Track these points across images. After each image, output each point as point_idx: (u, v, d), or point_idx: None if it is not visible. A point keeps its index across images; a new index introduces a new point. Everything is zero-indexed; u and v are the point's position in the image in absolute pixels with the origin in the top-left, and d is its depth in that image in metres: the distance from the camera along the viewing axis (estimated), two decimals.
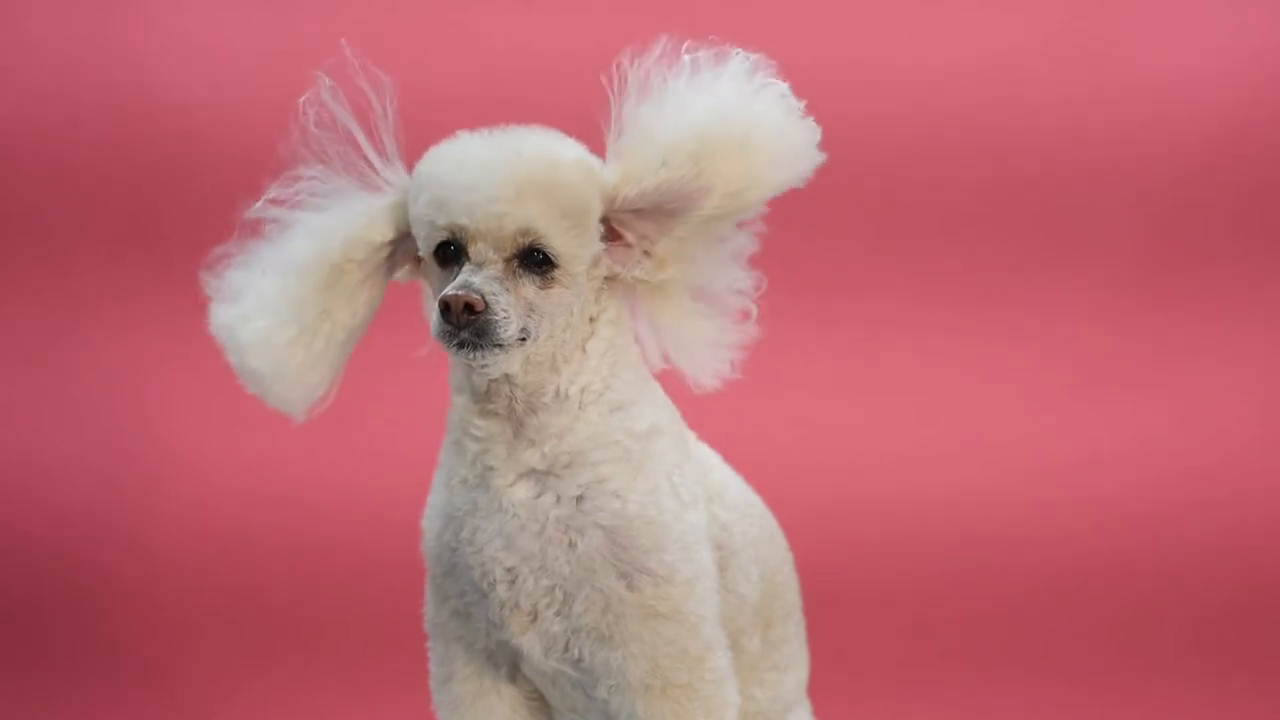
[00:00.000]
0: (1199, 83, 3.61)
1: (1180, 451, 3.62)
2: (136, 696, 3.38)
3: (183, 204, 3.66)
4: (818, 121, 1.98)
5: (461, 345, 1.89)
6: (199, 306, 3.51)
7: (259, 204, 2.03)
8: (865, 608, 3.44)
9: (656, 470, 2.02)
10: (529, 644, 2.05)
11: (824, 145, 1.98)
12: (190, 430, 3.65)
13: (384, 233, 2.01)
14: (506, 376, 1.97)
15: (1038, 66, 3.63)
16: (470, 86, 3.32)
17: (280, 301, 1.99)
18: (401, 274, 2.08)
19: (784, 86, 1.97)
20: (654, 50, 1.96)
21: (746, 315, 2.06)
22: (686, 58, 1.96)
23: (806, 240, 3.47)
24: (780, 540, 2.31)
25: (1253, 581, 3.51)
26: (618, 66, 1.96)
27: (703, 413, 2.18)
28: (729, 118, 1.93)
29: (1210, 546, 3.55)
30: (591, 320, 2.01)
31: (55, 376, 3.72)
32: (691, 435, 2.17)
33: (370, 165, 2.02)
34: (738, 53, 1.97)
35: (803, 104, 1.97)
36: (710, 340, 2.05)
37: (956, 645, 3.44)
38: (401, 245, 2.04)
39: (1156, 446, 3.62)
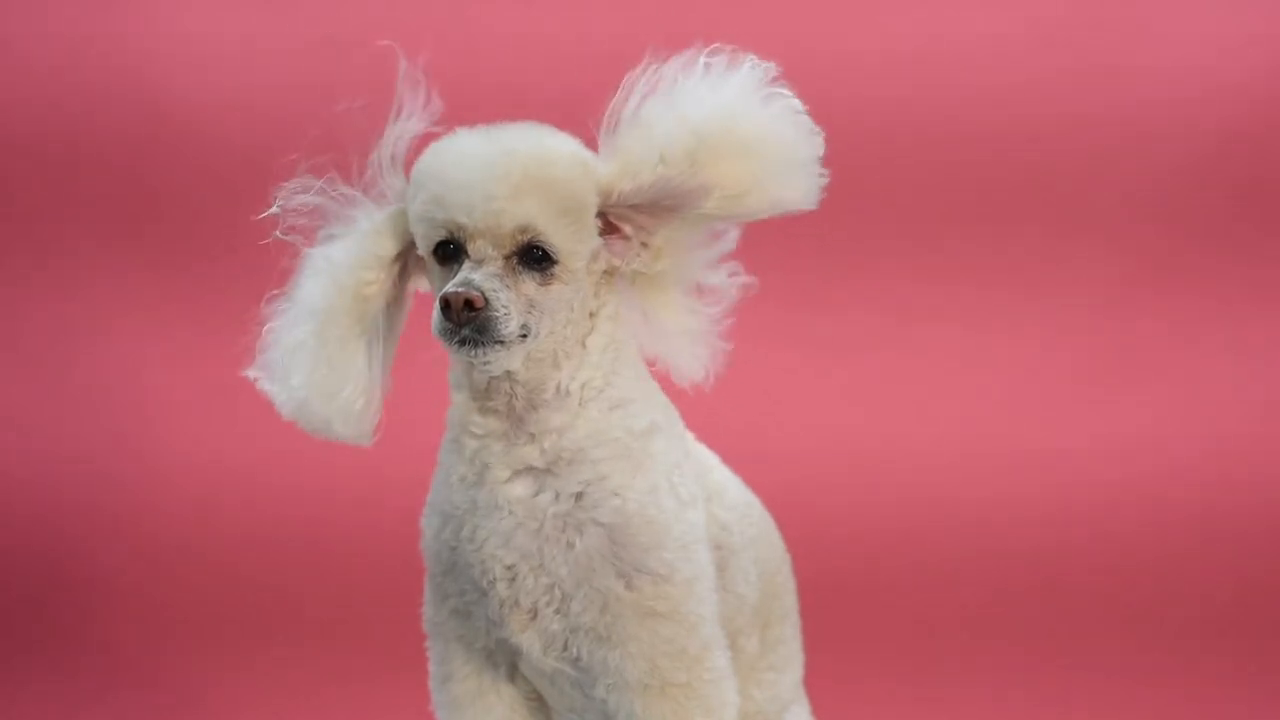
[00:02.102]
0: (1205, 68, 3.60)
1: (1184, 439, 3.62)
2: (134, 690, 3.38)
3: (183, 198, 3.67)
4: (818, 106, 1.98)
5: (463, 343, 1.89)
6: (198, 301, 3.52)
7: (271, 216, 2.04)
8: (866, 604, 3.44)
9: (656, 469, 2.02)
10: (528, 642, 2.04)
11: (823, 131, 1.97)
12: (189, 428, 3.65)
13: (389, 247, 2.02)
14: (507, 373, 1.97)
15: (1042, 49, 3.62)
16: (468, 81, 3.32)
17: (323, 355, 2.00)
18: (419, 281, 2.08)
19: (795, 100, 1.96)
20: (661, 53, 1.96)
21: (725, 310, 2.06)
22: (701, 60, 1.96)
23: (804, 227, 3.45)
24: (779, 541, 2.32)
25: (1260, 570, 3.50)
26: (640, 67, 1.96)
27: (702, 410, 2.18)
28: (733, 121, 1.92)
29: (1217, 535, 3.54)
30: (591, 315, 2.01)
31: (54, 371, 3.73)
32: (690, 435, 2.17)
33: (377, 174, 2.03)
34: (750, 59, 1.96)
35: (813, 125, 1.96)
36: (694, 338, 2.05)
37: (959, 641, 3.43)
38: (410, 255, 2.04)
39: (1160, 435, 3.62)
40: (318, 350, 2.00)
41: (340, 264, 2.01)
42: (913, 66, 3.62)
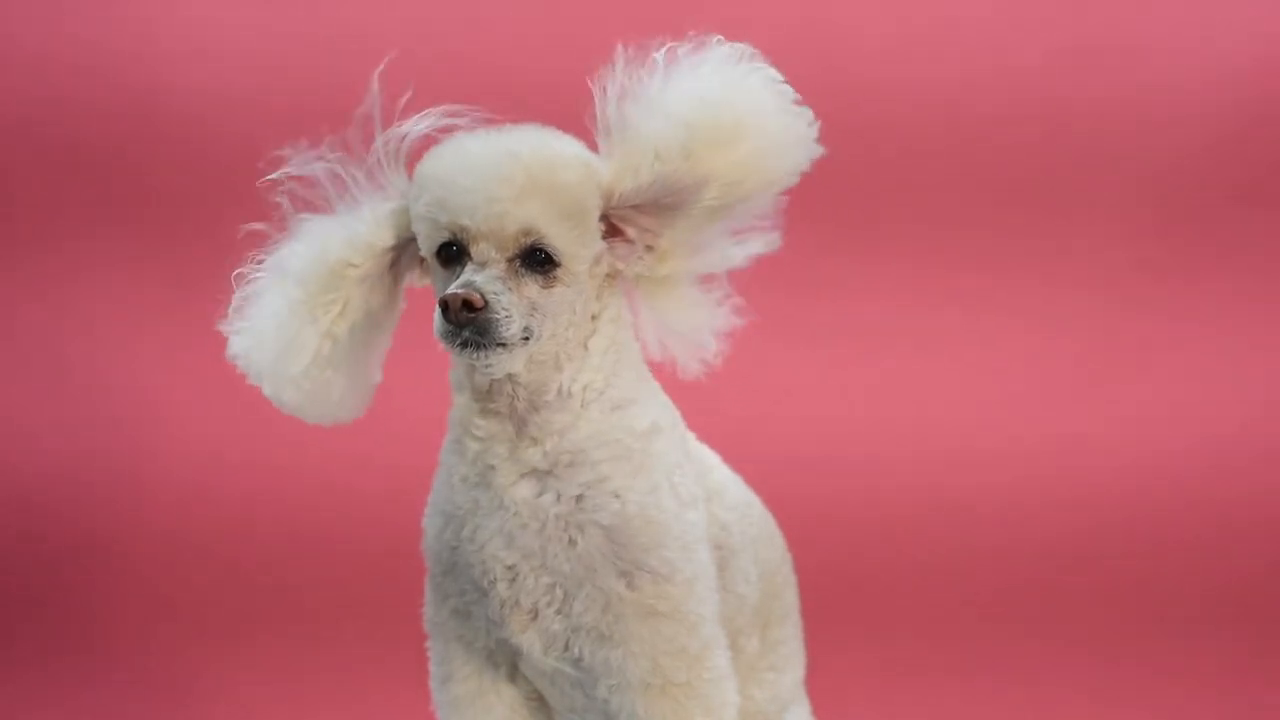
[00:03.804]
0: (1211, 52, 3.59)
1: (1191, 429, 3.61)
2: (133, 684, 3.38)
3: (178, 190, 3.67)
4: (814, 96, 1.98)
5: (465, 345, 1.89)
6: (194, 292, 3.52)
7: (279, 178, 2.04)
8: (869, 603, 3.44)
9: (656, 469, 2.02)
10: (529, 642, 2.05)
11: (823, 117, 1.98)
12: (188, 421, 3.65)
13: (385, 238, 2.02)
14: (509, 375, 1.97)
15: (1046, 34, 3.61)
16: (470, 81, 3.33)
17: (284, 314, 2.00)
18: (412, 277, 2.09)
19: (772, 71, 1.97)
20: (627, 50, 1.96)
21: (731, 295, 2.06)
22: (666, 50, 1.95)
23: (807, 221, 3.45)
24: (779, 541, 2.32)
25: (1266, 559, 3.50)
26: (606, 69, 1.96)
27: (703, 409, 2.18)
28: (716, 105, 1.92)
29: (1224, 525, 3.54)
30: (594, 318, 2.01)
31: (50, 363, 3.72)
32: (691, 435, 2.18)
33: (377, 166, 2.03)
34: (718, 40, 1.96)
35: (793, 92, 1.97)
36: (704, 326, 2.05)
37: (964, 639, 3.43)
38: (406, 250, 2.04)
39: (1167, 425, 3.61)
40: (278, 310, 2.00)
41: (331, 239, 2.01)
42: (919, 52, 3.60)
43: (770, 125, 1.94)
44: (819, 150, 1.97)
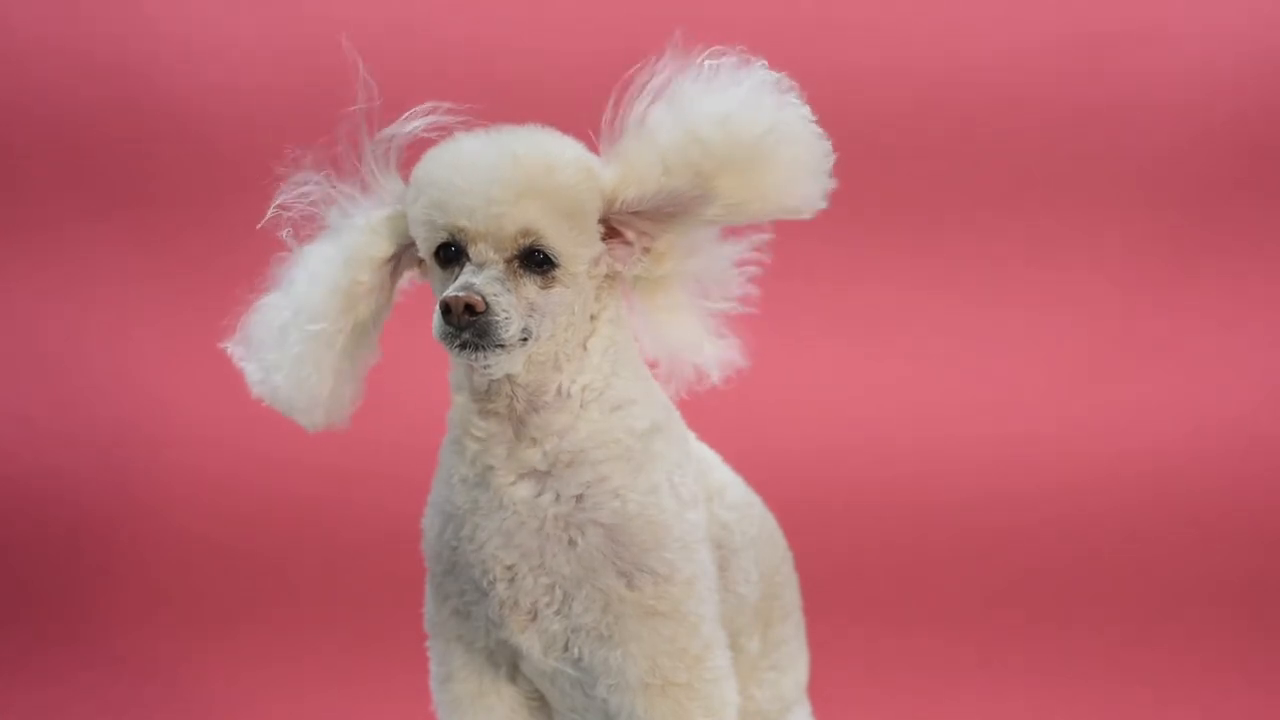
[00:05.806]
0: (1219, 45, 3.58)
1: (1199, 418, 3.62)
2: (128, 672, 3.38)
3: (176, 177, 3.67)
4: (815, 85, 1.96)
5: (464, 346, 1.89)
6: (191, 282, 3.51)
7: (269, 213, 2.05)
8: (871, 598, 3.44)
9: (657, 469, 2.02)
10: (528, 642, 2.05)
11: (823, 106, 1.96)
12: (187, 413, 3.65)
13: (384, 248, 2.03)
14: (508, 376, 1.97)
15: (1050, 21, 3.60)
16: (468, 83, 3.33)
17: (309, 346, 2.00)
18: (413, 275, 2.09)
19: (805, 108, 1.95)
20: (668, 53, 1.95)
21: (732, 313, 2.07)
22: (706, 63, 1.95)
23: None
24: (780, 540, 2.32)
25: (1270, 549, 3.50)
26: (634, 70, 1.95)
27: (703, 405, 2.18)
28: (737, 131, 1.91)
29: (1231, 514, 3.54)
30: (593, 318, 2.01)
31: (47, 350, 3.73)
32: (691, 434, 2.17)
33: (369, 173, 2.03)
34: (760, 64, 1.95)
35: (820, 130, 1.95)
36: (694, 341, 2.06)
37: (966, 631, 3.42)
38: (405, 253, 2.04)
39: (1173, 414, 3.61)
40: (301, 346, 2.00)
41: (334, 261, 2.02)
42: (921, 38, 3.59)
43: (786, 160, 1.93)
44: (832, 184, 1.96)
